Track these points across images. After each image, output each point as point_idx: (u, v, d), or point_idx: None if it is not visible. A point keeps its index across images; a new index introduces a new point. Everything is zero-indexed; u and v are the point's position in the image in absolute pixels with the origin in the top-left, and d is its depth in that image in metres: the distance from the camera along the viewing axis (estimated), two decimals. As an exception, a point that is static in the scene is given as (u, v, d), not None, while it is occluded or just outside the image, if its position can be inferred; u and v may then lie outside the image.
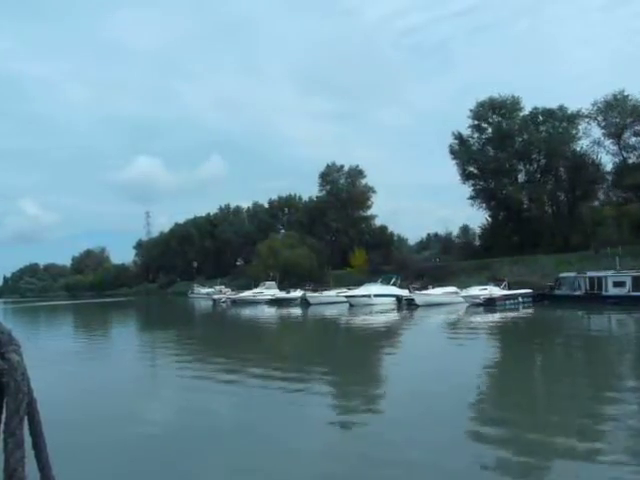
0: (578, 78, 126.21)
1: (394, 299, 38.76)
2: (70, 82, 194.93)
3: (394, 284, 40.71)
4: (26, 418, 0.86)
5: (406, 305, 36.76)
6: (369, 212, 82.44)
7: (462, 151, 63.39)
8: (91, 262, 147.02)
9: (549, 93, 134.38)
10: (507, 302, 32.19)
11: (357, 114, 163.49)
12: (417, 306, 34.63)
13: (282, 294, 49.47)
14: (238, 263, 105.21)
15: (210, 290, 75.56)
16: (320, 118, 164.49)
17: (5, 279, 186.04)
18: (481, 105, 62.28)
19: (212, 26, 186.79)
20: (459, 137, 64.40)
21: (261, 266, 73.57)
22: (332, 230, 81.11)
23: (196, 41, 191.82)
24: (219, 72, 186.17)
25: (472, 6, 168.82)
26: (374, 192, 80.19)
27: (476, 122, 63.44)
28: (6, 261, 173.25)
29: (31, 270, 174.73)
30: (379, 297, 38.22)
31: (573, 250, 53.37)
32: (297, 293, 47.91)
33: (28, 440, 0.87)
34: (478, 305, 32.82)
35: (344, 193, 79.88)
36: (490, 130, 62.82)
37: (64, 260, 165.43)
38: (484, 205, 64.59)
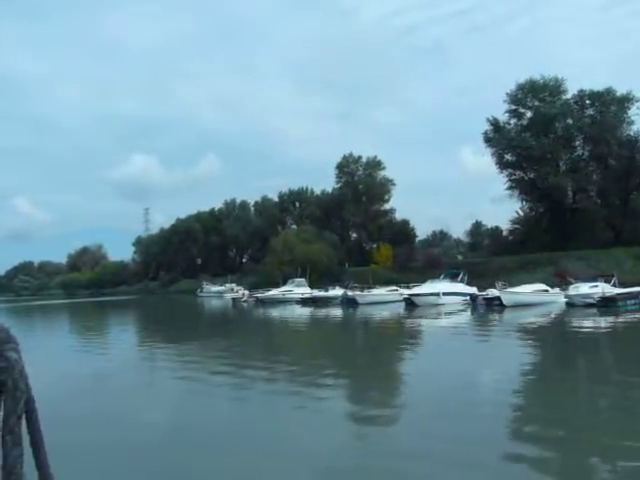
0: (574, 77, 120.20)
1: (464, 298, 31.65)
2: (67, 81, 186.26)
3: (462, 281, 33.51)
4: (24, 416, 0.84)
5: (484, 305, 29.60)
6: (387, 206, 75.31)
7: (498, 138, 56.43)
8: (88, 259, 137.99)
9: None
10: (629, 302, 25.06)
11: (355, 113, 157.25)
12: (504, 306, 27.38)
13: (319, 293, 41.92)
14: (244, 260, 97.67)
15: (221, 288, 67.93)
16: (318, 117, 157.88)
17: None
18: (520, 88, 55.42)
19: (210, 25, 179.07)
20: (495, 123, 57.46)
21: (275, 262, 66.11)
22: (349, 224, 73.76)
23: (194, 40, 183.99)
24: (217, 71, 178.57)
25: (469, 7, 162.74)
26: (393, 185, 73.14)
27: (513, 107, 56.58)
28: (0, 259, 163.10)
29: (25, 268, 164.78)
30: (448, 296, 31.02)
31: (628, 244, 46.87)
32: (337, 291, 40.46)
33: (26, 438, 0.84)
34: (588, 305, 25.70)
35: (362, 185, 72.65)
36: (529, 115, 55.99)
37: (59, 258, 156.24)
38: (523, 197, 57.71)
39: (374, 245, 74.03)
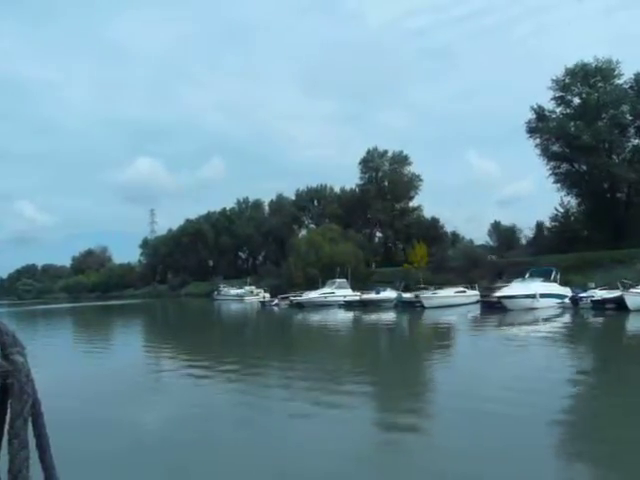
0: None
1: (559, 300, 26.04)
2: (72, 84, 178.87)
3: (554, 280, 27.73)
4: (30, 419, 0.82)
5: (590, 309, 23.98)
6: (412, 203, 69.69)
7: (544, 127, 50.85)
8: (92, 262, 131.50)
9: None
10: None
11: (363, 116, 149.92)
12: (625, 310, 21.70)
13: (369, 295, 36.08)
14: (258, 261, 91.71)
15: (240, 291, 62.05)
16: (324, 120, 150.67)
17: (1, 280, 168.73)
18: (569, 73, 49.84)
19: (215, 28, 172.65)
20: (539, 112, 51.89)
21: (299, 263, 60.30)
22: (373, 223, 68.08)
23: (199, 43, 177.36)
24: (222, 74, 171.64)
25: (477, 10, 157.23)
26: (421, 180, 67.45)
27: (559, 94, 51.02)
28: (2, 262, 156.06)
29: (28, 271, 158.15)
30: (544, 298, 25.35)
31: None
32: (389, 293, 34.68)
33: (32, 441, 0.82)
34: None
35: (387, 181, 67.01)
36: (577, 102, 50.49)
37: (62, 262, 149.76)
38: (569, 190, 52.14)
39: (400, 244, 68.58)
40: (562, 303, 26.09)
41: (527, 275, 28.43)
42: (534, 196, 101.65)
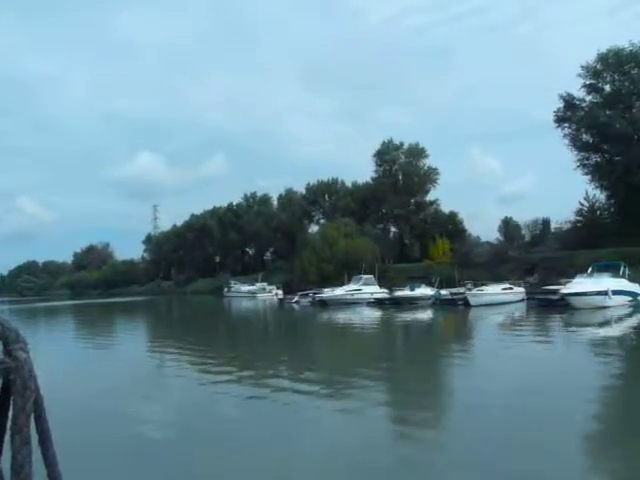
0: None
1: (629, 298, 23.24)
2: (76, 80, 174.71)
3: (623, 275, 24.83)
4: (33, 415, 0.81)
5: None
6: (429, 197, 66.73)
7: (574, 117, 47.99)
8: (94, 258, 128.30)
9: (553, 93, 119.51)
10: None
11: (364, 113, 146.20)
12: None
13: (403, 292, 32.99)
14: (265, 257, 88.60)
15: (252, 287, 59.14)
16: (325, 117, 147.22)
17: (1, 277, 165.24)
18: (601, 59, 46.92)
19: (217, 25, 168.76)
20: (569, 100, 48.99)
21: (313, 258, 57.39)
22: (388, 217, 65.17)
23: (201, 40, 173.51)
24: (224, 70, 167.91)
25: (477, 8, 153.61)
26: (437, 174, 64.47)
27: (590, 81, 48.09)
28: (2, 259, 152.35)
29: (29, 268, 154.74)
30: (616, 295, 22.51)
31: None
32: (424, 290, 31.66)
33: (35, 437, 0.81)
34: None
35: (403, 175, 64.03)
36: (608, 90, 47.62)
37: (62, 259, 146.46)
38: (600, 183, 49.26)
39: (415, 239, 65.69)
40: (634, 301, 23.28)
41: (590, 270, 25.50)
42: (537, 193, 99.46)
